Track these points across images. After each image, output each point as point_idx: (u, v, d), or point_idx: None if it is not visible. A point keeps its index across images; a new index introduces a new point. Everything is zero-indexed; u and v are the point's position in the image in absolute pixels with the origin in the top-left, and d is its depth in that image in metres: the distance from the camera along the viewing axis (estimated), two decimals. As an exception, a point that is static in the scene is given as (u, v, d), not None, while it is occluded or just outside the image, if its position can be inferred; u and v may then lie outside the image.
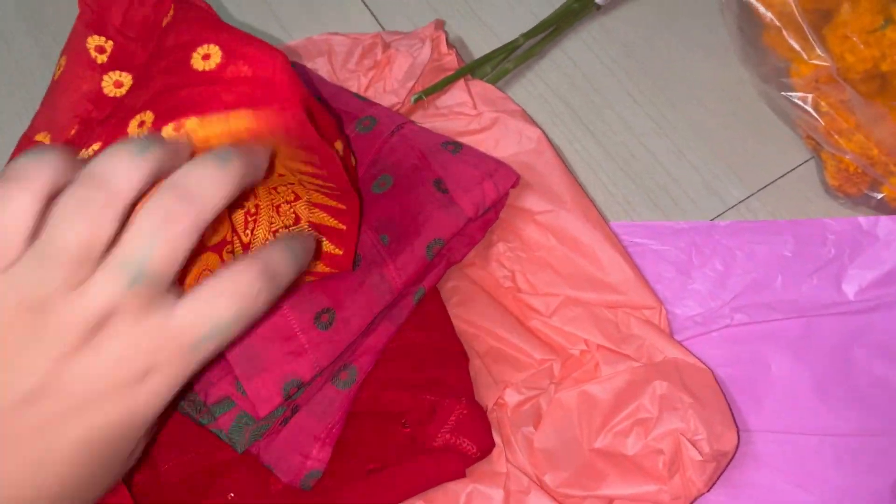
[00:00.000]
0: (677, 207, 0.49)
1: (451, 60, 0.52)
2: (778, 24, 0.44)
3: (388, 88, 0.51)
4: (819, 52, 0.43)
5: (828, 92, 0.44)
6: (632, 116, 0.52)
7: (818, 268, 0.46)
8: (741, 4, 0.45)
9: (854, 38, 0.42)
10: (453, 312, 0.46)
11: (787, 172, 0.50)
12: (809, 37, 0.43)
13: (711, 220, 0.49)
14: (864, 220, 0.46)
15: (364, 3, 0.59)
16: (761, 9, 0.44)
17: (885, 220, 0.46)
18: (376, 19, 0.59)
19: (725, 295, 0.46)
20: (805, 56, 0.43)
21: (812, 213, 0.48)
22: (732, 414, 0.41)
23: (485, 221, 0.46)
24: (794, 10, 0.43)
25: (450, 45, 0.52)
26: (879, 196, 0.46)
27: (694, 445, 0.40)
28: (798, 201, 0.49)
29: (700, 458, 0.40)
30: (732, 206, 0.49)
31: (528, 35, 0.53)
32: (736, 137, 0.51)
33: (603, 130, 0.52)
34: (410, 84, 0.50)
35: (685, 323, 0.46)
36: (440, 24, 0.53)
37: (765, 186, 0.49)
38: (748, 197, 0.49)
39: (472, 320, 0.46)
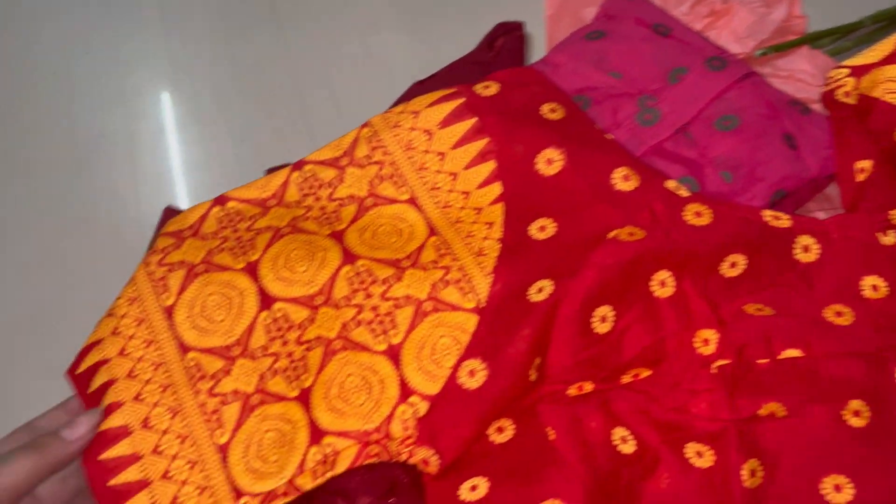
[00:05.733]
0: None
1: (799, 24, 0.51)
2: None
3: (726, 39, 0.51)
4: None
5: None
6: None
7: None
8: None
9: None
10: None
11: None
12: None
13: None
14: None
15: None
16: None
17: None
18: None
19: None
20: None
21: None
22: None
23: (816, 188, 0.47)
24: None
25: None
26: None
27: None
28: None
29: None
30: None
31: (875, 18, 0.52)
32: None
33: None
34: (760, 38, 0.50)
35: None
36: (792, -13, 0.53)
37: None
38: None
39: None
